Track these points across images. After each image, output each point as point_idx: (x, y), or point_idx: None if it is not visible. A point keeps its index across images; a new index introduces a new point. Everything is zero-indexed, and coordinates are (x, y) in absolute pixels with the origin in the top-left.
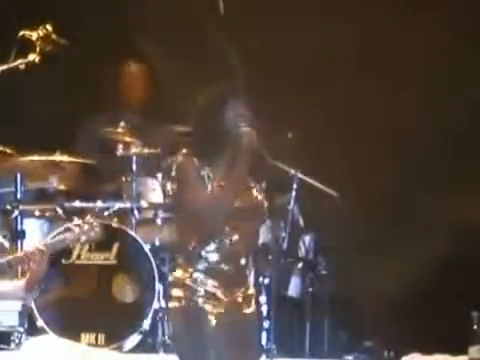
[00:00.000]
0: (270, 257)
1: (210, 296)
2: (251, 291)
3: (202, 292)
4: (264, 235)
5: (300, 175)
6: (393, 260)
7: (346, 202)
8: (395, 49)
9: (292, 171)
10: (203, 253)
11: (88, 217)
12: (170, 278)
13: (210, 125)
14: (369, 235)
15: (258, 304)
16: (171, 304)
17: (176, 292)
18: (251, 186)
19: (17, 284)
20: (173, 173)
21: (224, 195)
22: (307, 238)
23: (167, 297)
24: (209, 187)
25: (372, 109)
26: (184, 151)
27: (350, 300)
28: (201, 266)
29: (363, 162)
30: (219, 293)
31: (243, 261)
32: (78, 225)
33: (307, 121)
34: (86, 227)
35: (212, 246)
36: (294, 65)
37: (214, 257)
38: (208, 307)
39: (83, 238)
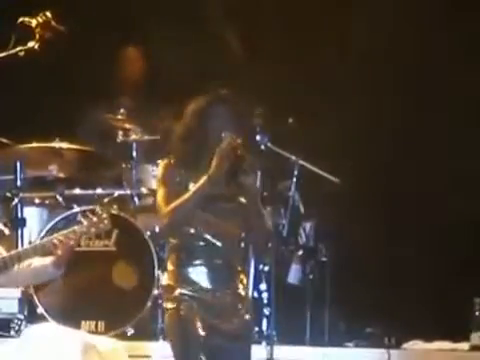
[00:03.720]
0: (270, 244)
1: (198, 300)
2: (241, 293)
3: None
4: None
5: (301, 161)
6: (394, 247)
7: (347, 189)
8: (390, 33)
9: (293, 157)
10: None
11: (97, 209)
12: (162, 282)
13: (194, 132)
14: (370, 222)
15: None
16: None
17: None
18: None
19: (45, 262)
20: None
21: (190, 198)
22: (308, 225)
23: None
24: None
25: (375, 95)
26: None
27: (351, 287)
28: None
29: (365, 148)
30: (208, 297)
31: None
32: (87, 217)
33: (308, 107)
34: (95, 219)
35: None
36: (295, 49)
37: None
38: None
39: (93, 230)
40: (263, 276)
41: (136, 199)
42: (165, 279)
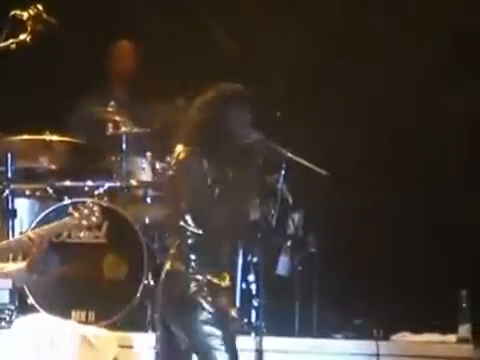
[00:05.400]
0: (259, 235)
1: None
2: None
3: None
4: (253, 213)
5: (289, 154)
6: (383, 239)
7: (335, 181)
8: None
9: (282, 150)
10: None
11: (88, 201)
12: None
13: (213, 122)
14: (359, 214)
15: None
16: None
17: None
18: None
19: (19, 266)
20: (174, 164)
21: (226, 199)
22: (296, 216)
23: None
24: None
25: (363, 88)
26: (188, 147)
27: (339, 278)
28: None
29: (353, 141)
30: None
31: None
32: (78, 210)
33: (296, 100)
34: (86, 211)
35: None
36: (283, 44)
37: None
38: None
39: (84, 222)
40: (251, 267)
41: (126, 191)
42: None
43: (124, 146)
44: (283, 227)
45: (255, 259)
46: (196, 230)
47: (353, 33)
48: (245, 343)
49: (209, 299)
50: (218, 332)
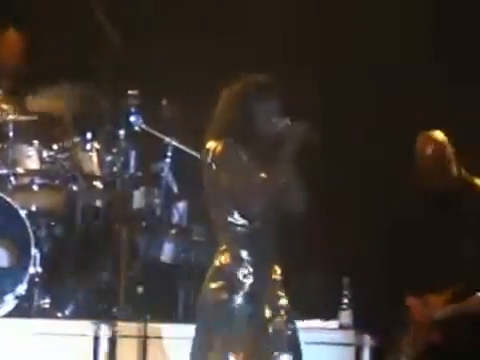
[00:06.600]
0: (144, 223)
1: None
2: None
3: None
4: (138, 202)
5: (174, 142)
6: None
7: None
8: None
9: (166, 138)
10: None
11: None
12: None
13: (243, 117)
14: None
15: None
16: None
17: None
18: None
19: None
20: (211, 160)
21: (267, 187)
22: (181, 205)
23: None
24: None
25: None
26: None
27: None
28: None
29: None
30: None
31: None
32: None
33: (181, 88)
34: None
35: None
36: (171, 33)
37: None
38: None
39: None
40: (137, 254)
41: (12, 179)
42: None
43: (10, 134)
44: (168, 216)
45: (140, 246)
46: (245, 224)
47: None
48: (129, 329)
49: (262, 295)
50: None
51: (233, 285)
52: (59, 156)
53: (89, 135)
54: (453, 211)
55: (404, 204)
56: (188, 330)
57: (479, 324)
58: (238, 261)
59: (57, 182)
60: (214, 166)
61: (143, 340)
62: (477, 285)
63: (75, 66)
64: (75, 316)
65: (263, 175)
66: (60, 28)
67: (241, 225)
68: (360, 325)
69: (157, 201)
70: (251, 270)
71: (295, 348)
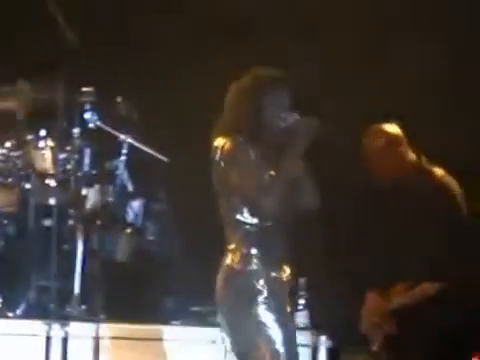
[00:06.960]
0: (98, 222)
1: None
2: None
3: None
4: (93, 200)
5: (130, 140)
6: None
7: (176, 168)
8: None
9: (121, 136)
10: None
11: None
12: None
13: (252, 111)
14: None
15: None
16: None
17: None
18: None
19: None
20: (220, 157)
21: (276, 184)
22: (136, 204)
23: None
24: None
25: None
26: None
27: (175, 266)
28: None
29: (195, 127)
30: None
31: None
32: None
33: (138, 85)
34: None
35: None
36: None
37: None
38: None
39: None
40: (91, 253)
41: None
42: None
43: None
44: (122, 214)
45: (95, 245)
46: (254, 222)
47: None
48: (82, 330)
49: (270, 294)
50: (278, 331)
51: (243, 285)
52: (12, 154)
53: (43, 132)
54: (409, 198)
55: (357, 197)
56: (141, 330)
57: (434, 309)
58: (247, 260)
59: (10, 180)
60: (223, 163)
61: (95, 340)
62: (434, 276)
63: (28, 63)
64: (27, 316)
65: (272, 172)
66: (13, 24)
67: (251, 223)
68: (316, 325)
69: (112, 199)
70: (261, 269)
71: None
